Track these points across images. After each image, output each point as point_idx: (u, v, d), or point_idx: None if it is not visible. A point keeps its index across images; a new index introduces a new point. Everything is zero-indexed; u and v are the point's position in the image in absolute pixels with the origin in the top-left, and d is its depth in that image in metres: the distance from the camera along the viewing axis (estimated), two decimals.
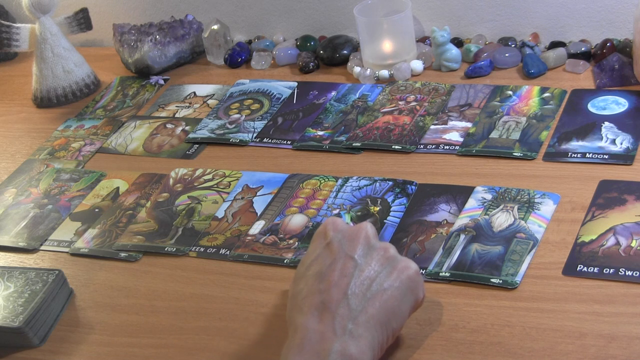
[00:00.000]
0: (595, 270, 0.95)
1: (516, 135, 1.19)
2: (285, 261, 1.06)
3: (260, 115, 1.36)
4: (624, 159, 1.11)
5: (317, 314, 0.84)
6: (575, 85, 1.27)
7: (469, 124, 1.23)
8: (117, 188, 1.26)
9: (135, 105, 1.47)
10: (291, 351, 0.83)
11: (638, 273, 0.94)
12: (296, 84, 1.42)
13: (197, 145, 1.33)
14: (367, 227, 0.92)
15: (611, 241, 0.98)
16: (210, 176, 1.24)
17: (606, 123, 1.17)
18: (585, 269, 0.96)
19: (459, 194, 1.10)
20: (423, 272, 1.00)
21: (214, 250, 1.11)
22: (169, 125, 1.39)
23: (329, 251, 0.90)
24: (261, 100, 1.39)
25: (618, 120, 1.17)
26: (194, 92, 1.47)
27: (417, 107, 1.29)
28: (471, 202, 1.08)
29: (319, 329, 0.83)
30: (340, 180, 1.17)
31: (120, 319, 1.04)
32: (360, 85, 1.38)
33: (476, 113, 1.25)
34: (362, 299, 0.86)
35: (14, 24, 1.50)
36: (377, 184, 1.15)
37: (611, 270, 0.95)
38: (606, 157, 1.11)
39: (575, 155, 1.13)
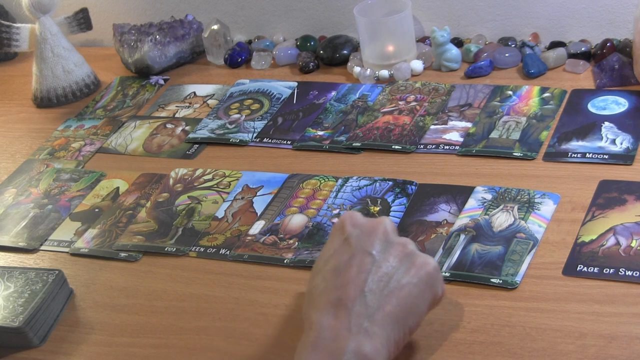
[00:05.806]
0: (595, 270, 0.95)
1: (516, 135, 1.19)
2: (285, 261, 1.06)
3: (260, 115, 1.36)
4: (624, 159, 1.11)
5: (333, 311, 0.83)
6: (575, 85, 1.27)
7: (469, 124, 1.23)
8: (117, 188, 1.26)
9: (135, 105, 1.47)
10: (305, 349, 0.82)
11: (638, 273, 0.94)
12: (296, 84, 1.42)
13: (197, 145, 1.33)
14: (386, 221, 0.90)
15: (611, 241, 0.98)
16: (210, 176, 1.24)
17: (606, 123, 1.17)
18: (585, 269, 0.96)
19: (459, 194, 1.10)
20: None
21: (214, 250, 1.11)
22: (169, 125, 1.39)
23: (347, 246, 0.88)
24: (261, 100, 1.39)
25: (618, 120, 1.17)
26: (194, 92, 1.47)
27: (417, 107, 1.28)
28: (471, 202, 1.08)
29: (333, 326, 0.82)
30: (340, 180, 1.17)
31: (120, 319, 1.03)
32: (360, 85, 1.38)
33: (476, 113, 1.25)
34: (379, 296, 0.84)
35: (14, 24, 1.50)
36: (377, 184, 1.15)
37: (611, 270, 0.95)
38: (606, 157, 1.11)
39: (575, 155, 1.13)
